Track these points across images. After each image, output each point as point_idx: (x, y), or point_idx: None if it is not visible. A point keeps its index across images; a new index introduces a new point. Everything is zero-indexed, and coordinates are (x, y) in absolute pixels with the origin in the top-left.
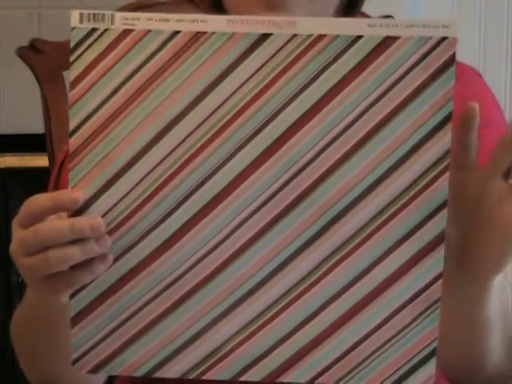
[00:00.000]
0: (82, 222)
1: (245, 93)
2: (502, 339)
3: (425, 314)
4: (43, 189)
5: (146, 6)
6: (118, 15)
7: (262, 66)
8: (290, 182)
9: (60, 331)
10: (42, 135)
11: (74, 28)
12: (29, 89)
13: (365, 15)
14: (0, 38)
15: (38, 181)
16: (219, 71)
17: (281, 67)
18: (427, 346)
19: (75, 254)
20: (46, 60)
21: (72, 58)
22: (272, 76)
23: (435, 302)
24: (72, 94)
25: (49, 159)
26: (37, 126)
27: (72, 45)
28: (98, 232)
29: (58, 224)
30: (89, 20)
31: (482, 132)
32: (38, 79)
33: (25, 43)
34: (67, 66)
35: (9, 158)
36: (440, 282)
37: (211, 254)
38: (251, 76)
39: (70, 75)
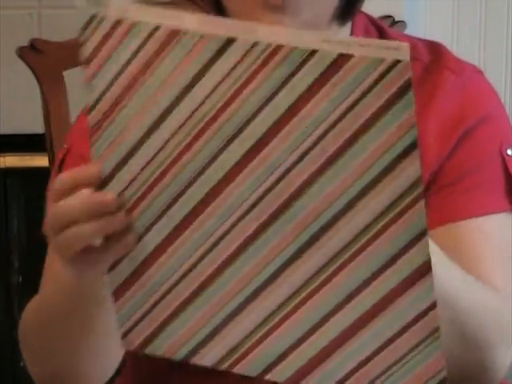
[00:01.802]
0: (94, 198)
1: (217, 97)
2: (451, 331)
3: (426, 342)
4: (43, 189)
5: None
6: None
7: (229, 72)
8: (272, 189)
9: (92, 310)
10: (42, 135)
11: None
12: (29, 89)
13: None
14: (0, 38)
15: (38, 181)
16: (193, 73)
17: (247, 74)
18: (434, 376)
19: (93, 229)
20: (46, 60)
21: (82, 39)
22: (240, 82)
23: (434, 330)
24: (86, 73)
25: (49, 159)
26: (37, 126)
27: (82, 25)
28: (111, 207)
29: (71, 202)
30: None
31: (475, 129)
32: (38, 79)
33: (25, 43)
34: (67, 66)
35: (9, 158)
36: (435, 311)
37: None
38: (221, 81)
39: (83, 53)
